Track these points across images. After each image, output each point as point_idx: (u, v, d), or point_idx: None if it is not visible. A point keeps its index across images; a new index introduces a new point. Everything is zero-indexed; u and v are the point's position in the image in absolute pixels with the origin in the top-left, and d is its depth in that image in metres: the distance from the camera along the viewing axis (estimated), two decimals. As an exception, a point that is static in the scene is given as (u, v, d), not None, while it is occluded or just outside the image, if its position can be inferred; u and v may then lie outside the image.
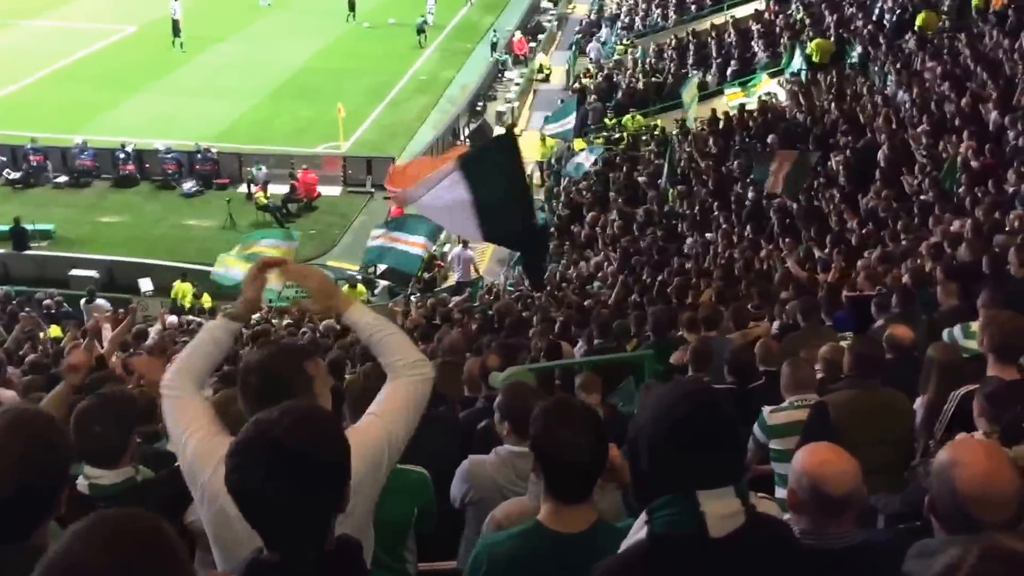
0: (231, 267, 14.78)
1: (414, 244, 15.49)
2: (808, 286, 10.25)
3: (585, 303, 13.01)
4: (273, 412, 2.03)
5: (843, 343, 6.47)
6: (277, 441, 1.96)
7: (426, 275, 20.06)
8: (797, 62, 22.96)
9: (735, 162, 19.27)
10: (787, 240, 14.21)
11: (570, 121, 20.32)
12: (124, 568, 1.57)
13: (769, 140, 19.00)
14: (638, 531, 2.13)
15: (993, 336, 4.58)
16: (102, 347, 8.31)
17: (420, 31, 37.04)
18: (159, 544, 1.64)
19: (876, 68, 20.85)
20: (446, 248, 20.02)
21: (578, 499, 2.68)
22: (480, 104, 31.16)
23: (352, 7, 38.65)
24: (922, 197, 13.55)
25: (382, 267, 21.58)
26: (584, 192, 22.41)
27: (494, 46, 36.36)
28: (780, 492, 4.52)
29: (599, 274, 15.85)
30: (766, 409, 5.19)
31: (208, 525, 2.60)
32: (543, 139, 27.66)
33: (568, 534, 2.65)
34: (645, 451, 2.12)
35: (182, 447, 2.62)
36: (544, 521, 2.69)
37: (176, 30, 33.64)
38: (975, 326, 5.66)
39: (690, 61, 28.75)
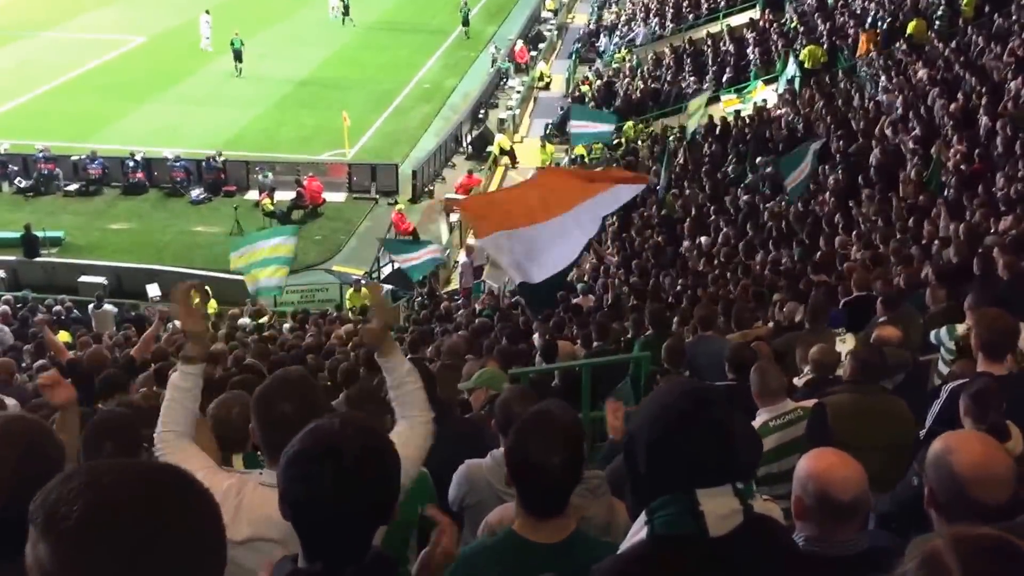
0: (262, 280, 15.39)
1: (429, 253, 17.94)
2: (802, 288, 10.34)
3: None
4: (333, 423, 2.05)
5: (837, 339, 6.71)
6: (341, 452, 1.97)
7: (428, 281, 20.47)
8: (791, 69, 23.33)
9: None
10: (782, 243, 14.52)
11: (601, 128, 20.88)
12: (155, 505, 1.43)
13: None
14: (638, 531, 2.11)
15: (982, 333, 4.70)
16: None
17: (465, 22, 39.19)
18: (190, 488, 1.51)
19: (867, 74, 21.22)
20: (460, 256, 20.50)
21: (551, 514, 2.64)
22: (482, 112, 31.59)
23: (347, 11, 39.82)
24: (909, 201, 13.88)
25: (386, 271, 22.12)
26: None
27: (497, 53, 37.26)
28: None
29: (597, 277, 16.21)
30: None
31: None
32: (543, 145, 28.14)
33: (543, 544, 2.62)
34: (643, 450, 2.08)
35: None
36: (518, 530, 2.67)
37: (239, 56, 33.42)
38: (960, 328, 5.89)
39: (687, 69, 29.19)
